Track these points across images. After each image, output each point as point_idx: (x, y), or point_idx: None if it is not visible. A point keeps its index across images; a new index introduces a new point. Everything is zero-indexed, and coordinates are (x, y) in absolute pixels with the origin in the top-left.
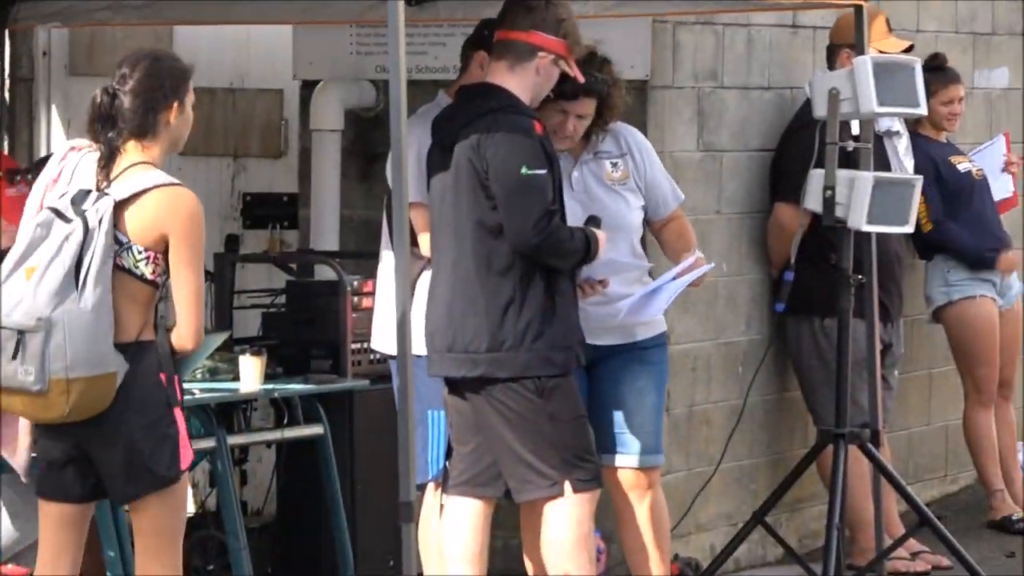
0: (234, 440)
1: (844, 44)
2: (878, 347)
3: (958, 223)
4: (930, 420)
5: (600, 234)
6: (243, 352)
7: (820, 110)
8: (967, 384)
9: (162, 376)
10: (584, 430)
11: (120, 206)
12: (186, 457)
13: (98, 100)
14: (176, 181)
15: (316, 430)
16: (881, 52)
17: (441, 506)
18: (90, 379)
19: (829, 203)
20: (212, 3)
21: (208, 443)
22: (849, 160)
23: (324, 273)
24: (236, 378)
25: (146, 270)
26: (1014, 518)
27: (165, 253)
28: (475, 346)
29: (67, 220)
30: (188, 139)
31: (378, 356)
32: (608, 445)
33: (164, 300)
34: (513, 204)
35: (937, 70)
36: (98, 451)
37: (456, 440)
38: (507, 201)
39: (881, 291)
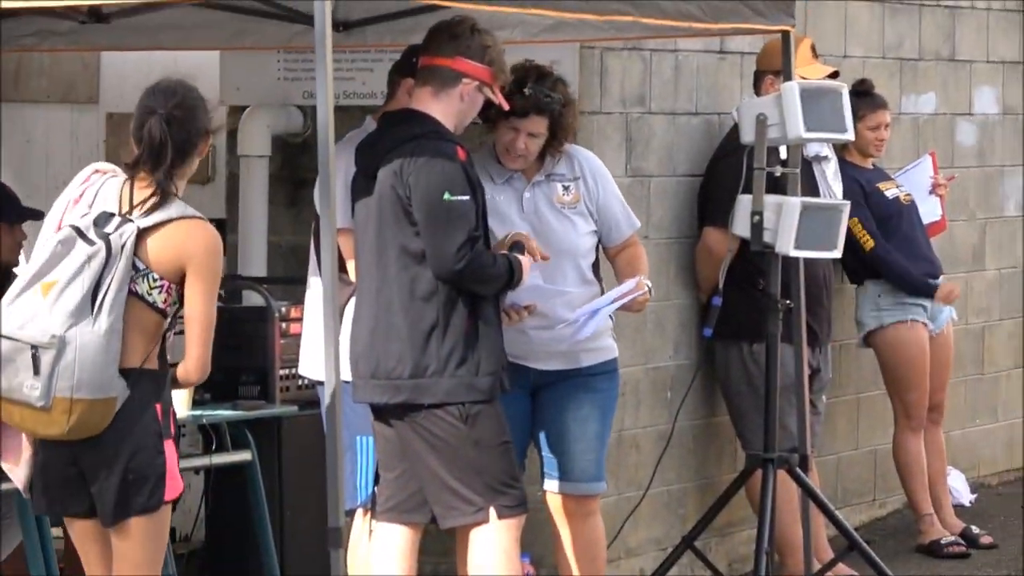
0: None
1: (769, 70)
2: (806, 372)
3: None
4: (858, 444)
5: (524, 260)
6: None
7: (748, 135)
8: (897, 409)
9: (157, 407)
10: (509, 456)
11: (142, 233)
12: (173, 488)
13: (153, 130)
14: (198, 214)
15: (244, 456)
16: (803, 78)
17: (370, 531)
18: (92, 402)
19: (757, 228)
20: (138, 29)
21: None
22: (777, 185)
23: (252, 299)
24: None
25: (158, 298)
26: (943, 542)
27: (179, 284)
28: (398, 372)
29: (90, 242)
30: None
31: (306, 382)
32: (549, 471)
33: (171, 330)
34: (435, 230)
35: (864, 95)
36: (90, 470)
37: (382, 466)
38: (429, 227)
39: (809, 316)
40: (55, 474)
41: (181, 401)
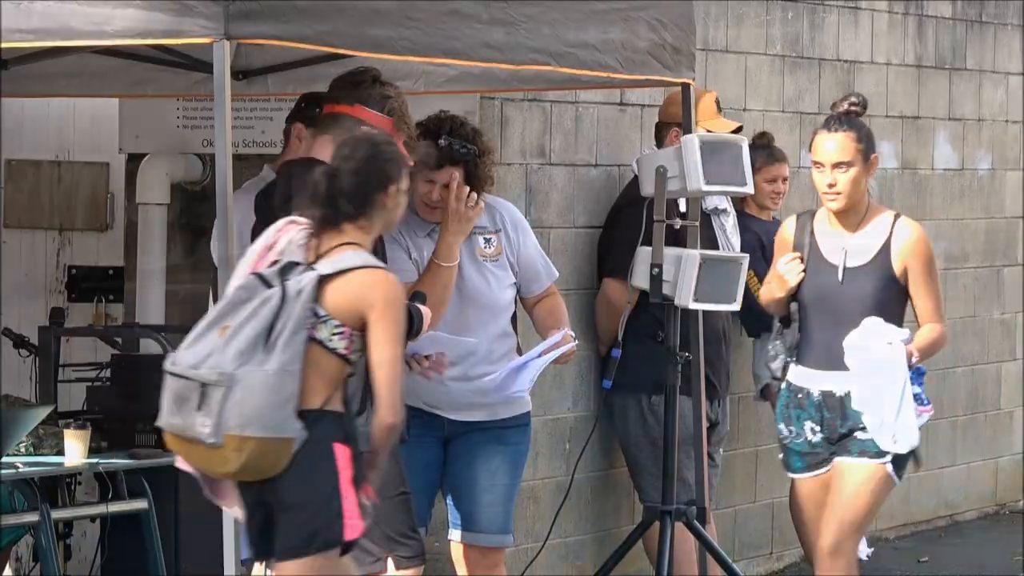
0: (58, 514)
1: (673, 122)
2: (704, 424)
3: None
4: (756, 497)
5: (425, 310)
6: (67, 426)
7: (648, 187)
8: None
9: (336, 447)
10: (408, 507)
11: (323, 281)
12: (351, 529)
13: (316, 180)
14: (380, 264)
15: (140, 505)
16: (708, 131)
17: None
18: (264, 440)
19: (656, 280)
20: (38, 76)
21: (32, 517)
22: (676, 238)
23: (150, 347)
24: (60, 452)
25: (339, 344)
26: None
27: (362, 331)
28: None
29: (269, 286)
30: (12, 212)
31: None
32: (455, 520)
33: (353, 376)
34: None
35: (763, 148)
36: (273, 509)
37: None
38: None
39: (708, 368)
40: (248, 515)
41: (78, 449)
